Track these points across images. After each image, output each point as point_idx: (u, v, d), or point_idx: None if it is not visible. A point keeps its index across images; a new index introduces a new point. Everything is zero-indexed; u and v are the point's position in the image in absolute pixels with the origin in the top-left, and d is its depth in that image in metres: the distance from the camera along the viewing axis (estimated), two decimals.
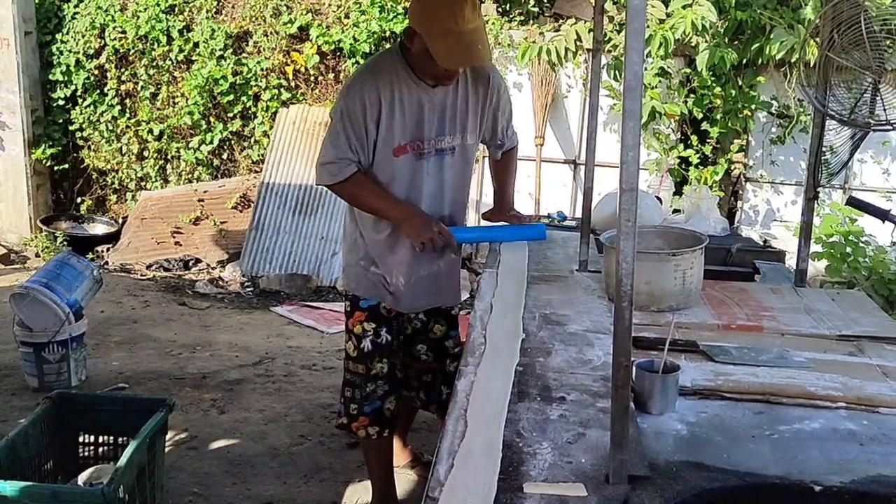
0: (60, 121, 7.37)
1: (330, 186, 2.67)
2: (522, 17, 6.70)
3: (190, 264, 6.65)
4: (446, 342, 2.96)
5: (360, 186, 2.65)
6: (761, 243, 3.89)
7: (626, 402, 1.50)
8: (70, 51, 7.19)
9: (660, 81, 6.11)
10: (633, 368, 1.82)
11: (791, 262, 3.32)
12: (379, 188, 2.65)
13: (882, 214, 2.92)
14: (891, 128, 2.46)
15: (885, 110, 2.44)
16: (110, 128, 7.32)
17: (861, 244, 4.67)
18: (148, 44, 7.07)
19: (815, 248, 4.47)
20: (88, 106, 7.30)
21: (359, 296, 2.83)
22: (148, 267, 6.57)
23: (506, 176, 3.03)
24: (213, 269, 6.64)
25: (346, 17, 6.82)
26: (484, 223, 3.16)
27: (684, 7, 5.49)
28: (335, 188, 2.67)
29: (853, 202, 3.08)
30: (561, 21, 6.52)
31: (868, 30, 2.37)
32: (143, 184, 7.40)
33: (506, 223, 2.97)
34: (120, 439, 2.88)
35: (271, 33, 6.91)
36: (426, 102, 2.60)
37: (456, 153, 2.71)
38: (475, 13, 2.44)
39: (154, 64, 7.13)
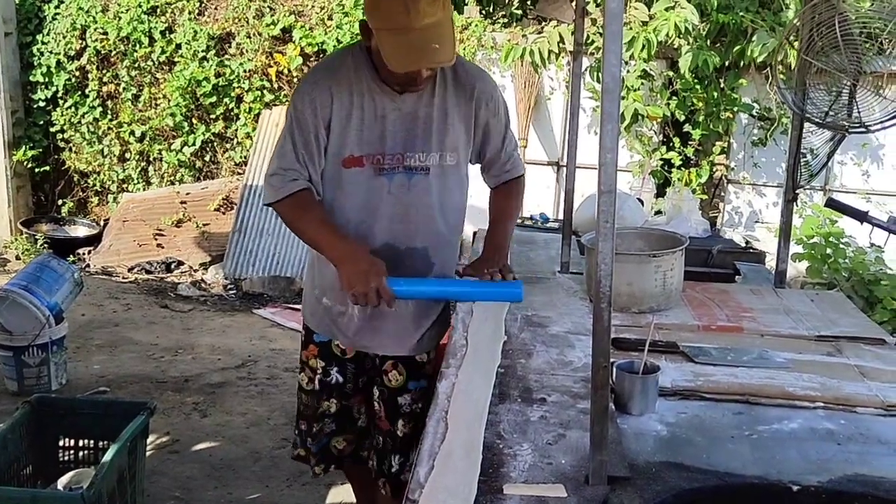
0: (41, 122, 7.30)
1: (272, 205, 2.24)
2: (506, 20, 6.72)
3: (172, 267, 6.61)
4: (399, 398, 2.42)
5: (304, 208, 2.23)
6: (743, 245, 3.91)
7: (605, 403, 1.51)
8: (51, 52, 7.13)
9: (642, 84, 6.14)
10: (614, 369, 1.83)
11: (771, 263, 3.35)
12: (327, 218, 2.25)
13: (860, 216, 2.94)
14: (866, 131, 2.48)
15: (860, 113, 2.46)
16: (92, 129, 7.26)
17: (841, 245, 4.71)
18: (130, 45, 7.02)
19: (796, 249, 4.50)
20: (70, 107, 7.24)
21: (311, 328, 2.49)
22: (130, 269, 6.53)
23: (499, 215, 2.44)
24: (196, 271, 6.60)
25: (329, 18, 6.80)
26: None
27: (667, 9, 5.53)
28: (278, 207, 2.23)
29: (832, 204, 3.10)
30: (544, 23, 6.53)
31: (844, 33, 2.39)
32: (124, 186, 7.35)
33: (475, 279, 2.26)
34: (100, 443, 2.85)
35: (254, 35, 6.88)
36: (391, 111, 2.20)
37: (431, 174, 2.26)
38: (435, 5, 2.02)
39: (136, 65, 7.08)
